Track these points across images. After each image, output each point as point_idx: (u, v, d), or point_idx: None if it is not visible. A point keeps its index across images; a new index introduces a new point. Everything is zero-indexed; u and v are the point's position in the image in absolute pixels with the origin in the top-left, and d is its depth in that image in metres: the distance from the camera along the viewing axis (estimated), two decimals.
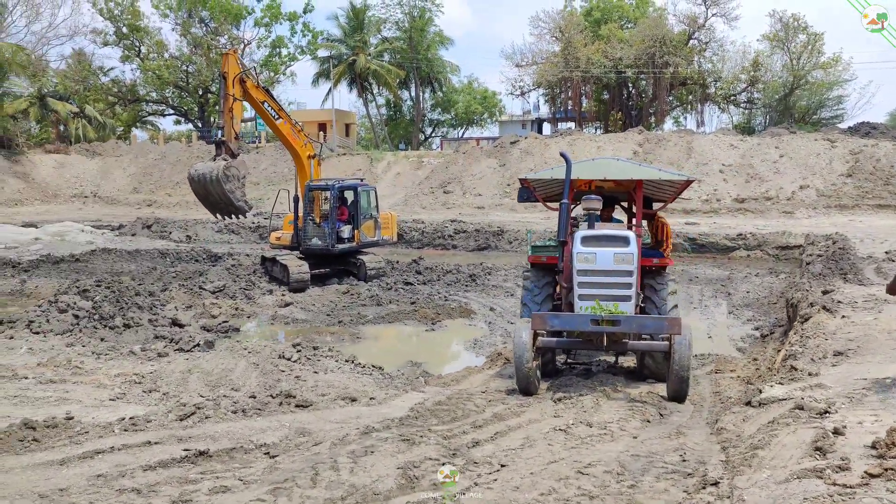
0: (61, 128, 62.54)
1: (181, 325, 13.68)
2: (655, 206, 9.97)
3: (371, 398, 7.10)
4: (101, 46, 64.62)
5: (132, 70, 61.77)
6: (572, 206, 8.92)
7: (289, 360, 7.76)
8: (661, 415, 6.77)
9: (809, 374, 6.95)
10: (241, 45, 58.32)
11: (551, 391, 7.90)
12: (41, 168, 51.05)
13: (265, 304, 17.05)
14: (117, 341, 11.73)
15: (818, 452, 4.75)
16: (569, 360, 9.63)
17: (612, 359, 9.77)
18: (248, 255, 24.38)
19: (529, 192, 9.52)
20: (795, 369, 7.11)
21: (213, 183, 20.26)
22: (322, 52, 58.38)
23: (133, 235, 32.47)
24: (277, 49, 57.69)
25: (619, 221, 9.93)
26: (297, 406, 6.69)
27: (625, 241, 7.94)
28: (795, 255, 23.56)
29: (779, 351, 9.53)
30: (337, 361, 8.17)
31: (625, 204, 10.26)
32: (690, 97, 55.82)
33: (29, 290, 18.43)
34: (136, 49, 60.35)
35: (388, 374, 8.26)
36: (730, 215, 35.78)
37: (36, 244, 24.65)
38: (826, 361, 7.42)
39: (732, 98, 54.24)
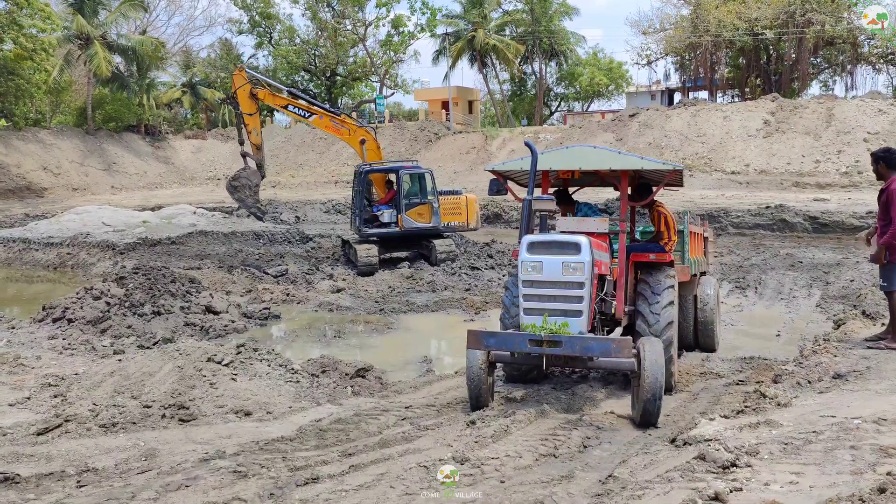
0: (211, 114, 66.45)
1: (216, 312, 13.64)
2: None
3: (268, 412, 6.48)
4: (236, 35, 67.66)
5: (264, 56, 64.18)
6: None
7: (219, 363, 7.31)
8: (584, 446, 5.66)
9: (779, 405, 5.61)
10: (364, 28, 59.05)
11: (501, 403, 6.99)
12: (181, 152, 54.21)
13: (320, 289, 16.88)
14: (144, 330, 11.84)
15: None
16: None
17: None
18: (338, 237, 24.48)
19: (500, 183, 8.50)
20: (764, 396, 5.76)
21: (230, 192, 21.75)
22: (441, 29, 57.93)
23: (248, 217, 33.58)
24: (399, 29, 57.81)
25: (604, 214, 8.68)
26: (180, 420, 6.21)
27: (575, 247, 6.69)
28: None
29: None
30: (269, 366, 7.61)
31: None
32: (842, 58, 50.54)
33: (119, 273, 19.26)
34: (269, 35, 62.57)
35: (318, 382, 7.60)
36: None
37: (140, 227, 25.83)
38: (815, 386, 5.99)
39: (891, 57, 48.59)
